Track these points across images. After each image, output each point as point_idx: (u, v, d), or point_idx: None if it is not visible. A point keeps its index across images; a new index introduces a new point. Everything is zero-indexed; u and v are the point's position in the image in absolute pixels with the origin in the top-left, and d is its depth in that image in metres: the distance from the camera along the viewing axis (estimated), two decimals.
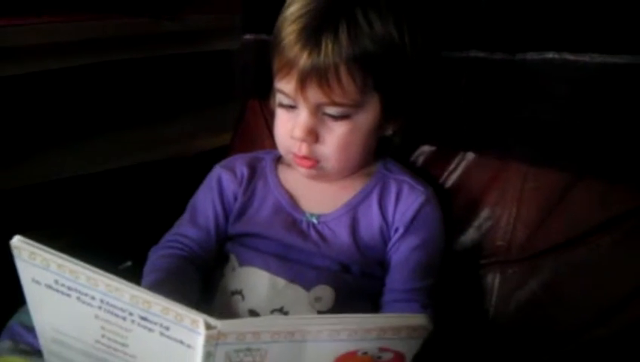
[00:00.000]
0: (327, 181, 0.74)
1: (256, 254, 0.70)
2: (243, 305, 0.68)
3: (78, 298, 0.49)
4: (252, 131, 0.95)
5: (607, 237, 0.70)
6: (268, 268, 0.69)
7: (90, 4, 1.14)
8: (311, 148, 0.70)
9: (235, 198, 0.75)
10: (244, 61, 0.96)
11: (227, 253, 0.73)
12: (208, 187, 0.77)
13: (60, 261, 0.49)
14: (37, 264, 0.49)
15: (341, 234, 0.71)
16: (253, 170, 0.77)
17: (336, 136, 0.70)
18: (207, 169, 0.80)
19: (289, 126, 0.71)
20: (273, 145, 0.86)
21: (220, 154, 0.93)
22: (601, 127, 0.70)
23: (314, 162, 0.71)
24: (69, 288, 0.49)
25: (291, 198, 0.74)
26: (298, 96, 0.68)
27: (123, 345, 0.50)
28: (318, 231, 0.72)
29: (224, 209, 0.75)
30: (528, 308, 0.73)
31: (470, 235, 0.77)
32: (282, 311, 0.66)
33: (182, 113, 1.39)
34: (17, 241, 0.49)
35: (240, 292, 0.68)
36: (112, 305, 0.48)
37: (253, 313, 0.67)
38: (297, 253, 0.70)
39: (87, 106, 1.28)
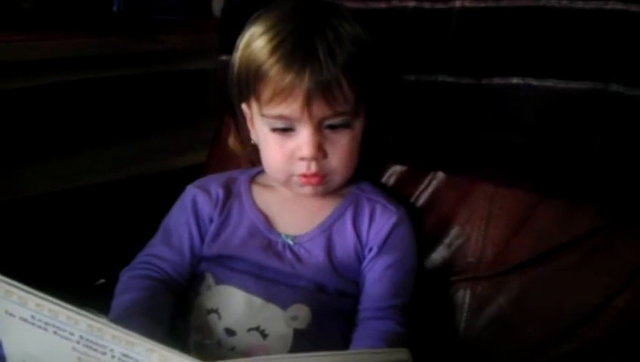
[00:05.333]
0: (308, 200, 0.75)
1: (232, 273, 0.71)
2: (219, 324, 0.68)
3: (55, 332, 0.48)
4: (228, 148, 0.96)
5: (572, 255, 0.72)
6: (244, 287, 0.69)
7: (72, 24, 1.14)
8: (320, 164, 0.71)
9: (211, 220, 0.75)
10: (220, 81, 0.97)
11: (202, 272, 0.73)
12: (182, 208, 0.76)
13: (38, 300, 0.48)
14: (13, 301, 0.48)
15: (316, 255, 0.72)
16: (229, 191, 0.77)
17: (340, 147, 0.71)
18: (180, 187, 0.79)
19: (288, 149, 0.71)
20: (248, 162, 0.87)
21: (193, 172, 0.93)
22: (565, 149, 0.72)
23: (322, 177, 0.72)
24: (46, 323, 0.48)
25: (266, 220, 0.74)
26: (303, 116, 0.68)
27: None
28: (293, 252, 0.72)
29: (199, 231, 0.74)
30: (497, 323, 0.75)
31: (441, 253, 0.79)
32: (259, 329, 0.67)
33: (156, 131, 1.39)
34: None
35: (216, 311, 0.69)
36: (92, 342, 0.48)
37: (229, 331, 0.67)
38: (273, 273, 0.71)
39: (62, 124, 1.28)
